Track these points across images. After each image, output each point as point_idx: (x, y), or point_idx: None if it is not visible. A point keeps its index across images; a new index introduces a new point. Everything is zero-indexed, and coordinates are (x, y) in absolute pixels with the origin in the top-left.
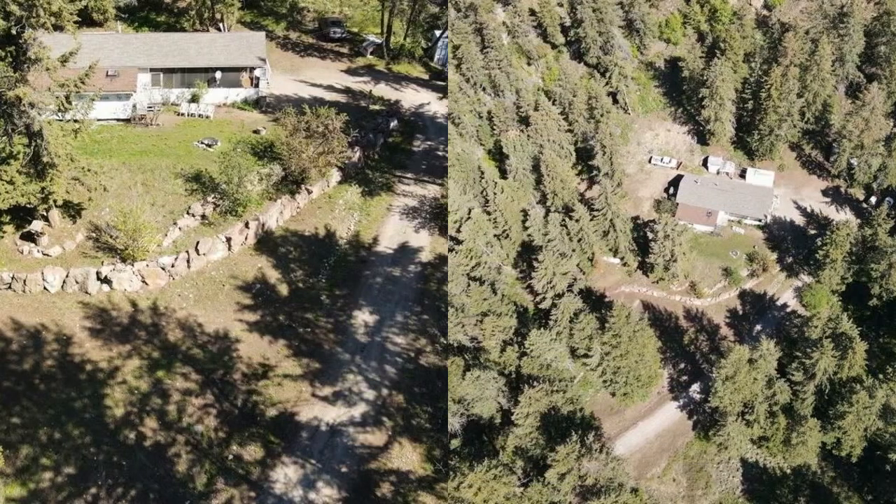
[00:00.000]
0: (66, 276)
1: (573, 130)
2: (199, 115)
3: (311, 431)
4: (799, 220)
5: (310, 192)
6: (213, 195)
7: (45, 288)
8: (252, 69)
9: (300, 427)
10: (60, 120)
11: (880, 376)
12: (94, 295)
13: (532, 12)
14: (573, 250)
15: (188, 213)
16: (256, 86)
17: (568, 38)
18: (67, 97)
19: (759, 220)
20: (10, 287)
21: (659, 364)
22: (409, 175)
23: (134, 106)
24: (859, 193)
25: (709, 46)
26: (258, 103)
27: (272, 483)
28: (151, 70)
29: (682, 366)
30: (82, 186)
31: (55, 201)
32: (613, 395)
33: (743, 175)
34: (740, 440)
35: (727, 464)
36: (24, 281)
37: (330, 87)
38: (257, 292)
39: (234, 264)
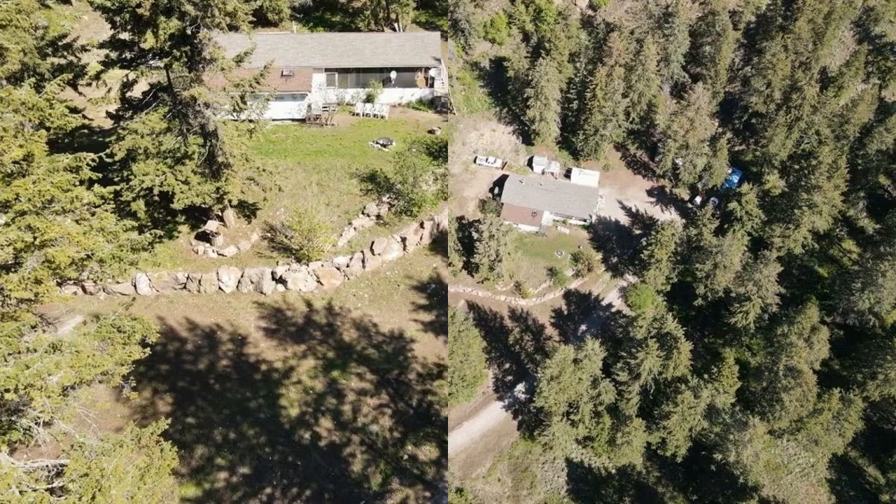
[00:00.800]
0: (241, 276)
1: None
2: (374, 115)
3: None
4: (624, 220)
5: None
6: (388, 195)
7: (220, 288)
8: (427, 69)
9: None
10: (235, 120)
11: (705, 376)
12: (269, 295)
13: None
14: None
15: (363, 213)
16: (431, 86)
17: None
18: (242, 97)
19: (585, 220)
20: (185, 287)
21: (484, 364)
22: None
23: (309, 106)
24: (684, 193)
25: (534, 46)
26: (433, 103)
27: (447, 483)
28: (326, 70)
29: (508, 366)
30: (257, 186)
31: (230, 201)
32: None
33: (568, 175)
34: (565, 440)
35: (552, 464)
36: (199, 281)
37: None
38: (432, 292)
39: (409, 264)
